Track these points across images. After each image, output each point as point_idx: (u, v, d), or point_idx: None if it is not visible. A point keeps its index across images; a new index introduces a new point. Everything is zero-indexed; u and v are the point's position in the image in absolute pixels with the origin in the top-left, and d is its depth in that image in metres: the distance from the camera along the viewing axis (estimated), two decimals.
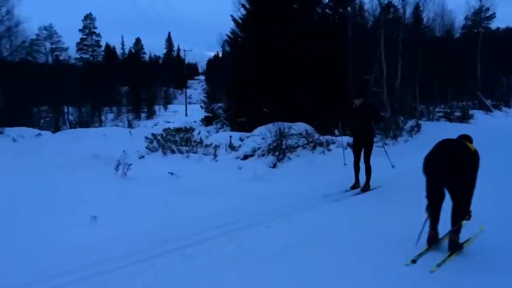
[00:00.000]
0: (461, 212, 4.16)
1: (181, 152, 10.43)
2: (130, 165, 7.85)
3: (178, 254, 4.27)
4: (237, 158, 10.08)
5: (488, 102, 28.81)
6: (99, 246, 4.46)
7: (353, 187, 7.40)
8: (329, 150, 10.71)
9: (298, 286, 3.59)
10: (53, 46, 44.59)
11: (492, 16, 33.58)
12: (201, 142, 11.33)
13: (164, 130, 13.16)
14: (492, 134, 16.16)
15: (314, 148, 10.66)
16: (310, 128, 12.17)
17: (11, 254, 4.26)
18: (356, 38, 15.07)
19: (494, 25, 36.11)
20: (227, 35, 18.06)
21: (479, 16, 32.31)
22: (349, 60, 14.53)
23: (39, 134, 14.16)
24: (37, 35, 40.48)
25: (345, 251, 4.37)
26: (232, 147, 10.90)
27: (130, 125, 34.88)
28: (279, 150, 9.89)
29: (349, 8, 15.63)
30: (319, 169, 9.20)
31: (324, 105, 13.54)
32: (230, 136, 11.56)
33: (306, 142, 10.85)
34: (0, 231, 4.87)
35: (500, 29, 44.38)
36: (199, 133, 12.89)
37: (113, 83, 46.57)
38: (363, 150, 7.34)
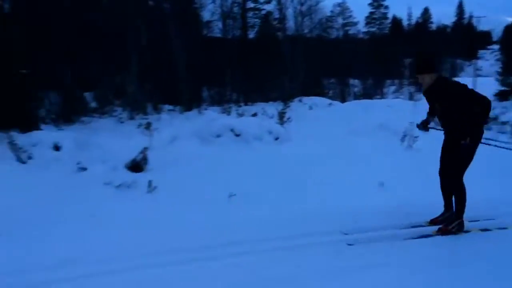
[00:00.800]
0: None
1: None
2: (416, 137, 7.90)
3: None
4: None
5: None
6: (388, 210, 4.76)
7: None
8: None
9: None
10: (345, 21, 47.51)
11: None
12: (496, 118, 10.21)
13: None
14: None
15: None
16: None
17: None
18: None
19: None
20: None
21: None
22: None
23: (331, 103, 15.75)
24: (331, 11, 43.90)
25: None
26: None
27: (411, 98, 34.26)
28: None
29: None
30: None
31: None
32: None
33: None
34: (302, 186, 5.69)
35: None
36: (493, 108, 11.59)
37: (398, 55, 46.24)
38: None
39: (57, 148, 7.05)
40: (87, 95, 11.97)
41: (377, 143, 8.49)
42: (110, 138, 8.08)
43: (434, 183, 4.42)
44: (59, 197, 5.07)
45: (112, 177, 5.74)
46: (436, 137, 8.39)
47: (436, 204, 4.40)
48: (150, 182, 5.31)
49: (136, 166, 6.32)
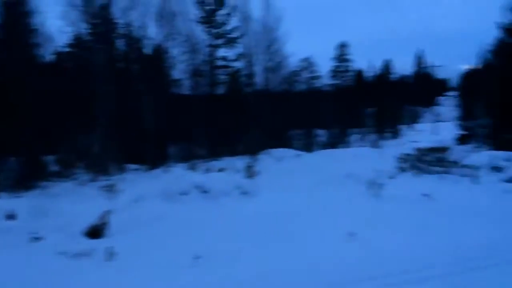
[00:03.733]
0: None
1: (434, 173, 9.87)
2: (382, 184, 7.93)
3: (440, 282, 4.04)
4: (502, 181, 8.87)
5: None
6: (355, 263, 4.64)
7: None
8: None
9: None
10: (310, 75, 49.12)
11: None
12: (457, 162, 10.46)
13: (417, 149, 12.74)
14: None
15: None
16: None
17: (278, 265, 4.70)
18: None
19: None
20: (490, 44, 16.40)
21: None
22: None
23: (298, 154, 15.81)
24: (297, 66, 45.37)
25: None
26: (496, 168, 9.65)
27: (375, 145, 35.12)
28: None
29: None
30: None
31: None
32: (493, 156, 10.26)
33: None
34: (272, 242, 5.51)
35: None
36: (454, 152, 11.94)
37: (361, 105, 47.94)
38: None
39: (11, 217, 6.66)
40: (48, 158, 11.60)
41: (345, 193, 8.46)
42: (70, 203, 7.72)
43: (403, 230, 4.35)
44: (7, 274, 4.66)
45: (69, 245, 5.39)
46: (402, 183, 8.48)
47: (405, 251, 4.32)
48: (109, 249, 5.00)
49: (95, 232, 5.98)
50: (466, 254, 4.77)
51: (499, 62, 16.51)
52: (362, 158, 13.74)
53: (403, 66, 79.47)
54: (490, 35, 15.29)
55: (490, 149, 13.22)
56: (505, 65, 14.72)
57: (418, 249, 4.98)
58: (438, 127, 45.79)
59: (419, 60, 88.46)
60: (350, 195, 8.25)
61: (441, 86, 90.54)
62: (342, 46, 55.85)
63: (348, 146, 35.66)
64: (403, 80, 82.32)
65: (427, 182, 9.08)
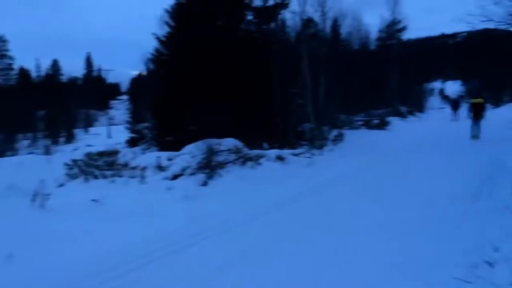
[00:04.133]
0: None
1: (105, 177, 9.89)
2: (48, 195, 7.26)
3: None
4: (166, 179, 9.76)
5: (403, 109, 30.97)
6: None
7: None
8: (259, 164, 10.76)
9: None
10: None
11: (404, 28, 35.60)
12: (127, 164, 10.85)
13: (86, 154, 12.46)
14: (407, 137, 17.61)
15: (244, 163, 10.66)
16: (239, 144, 12.15)
17: None
18: (280, 54, 15.43)
19: (405, 36, 38.36)
20: (151, 53, 17.81)
21: (392, 29, 34.57)
22: (274, 75, 14.79)
23: None
24: None
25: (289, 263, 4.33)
26: (160, 167, 10.55)
27: (47, 151, 32.75)
28: (209, 167, 9.75)
29: (272, 24, 15.96)
30: (251, 184, 9.20)
31: (252, 120, 13.65)
32: (158, 157, 11.20)
33: (236, 157, 10.81)
34: None
35: (411, 40, 47.63)
36: (124, 155, 12.38)
37: (29, 107, 43.63)
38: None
39: None
40: None
41: (5, 208, 7.31)
42: None
43: (70, 242, 4.00)
44: None
45: None
46: (71, 191, 7.99)
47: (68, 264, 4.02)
48: None
49: None
50: (125, 256, 4.89)
51: (157, 70, 18.34)
52: (29, 167, 12.41)
53: (73, 68, 77.05)
54: (152, 44, 16.61)
55: (156, 150, 14.45)
56: (161, 73, 16.43)
57: (84, 258, 4.77)
58: (112, 131, 46.95)
59: (88, 62, 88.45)
60: (11, 210, 7.18)
61: (113, 90, 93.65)
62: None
63: (15, 154, 31.71)
64: (74, 82, 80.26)
65: (97, 187, 8.97)
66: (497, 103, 38.36)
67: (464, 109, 22.93)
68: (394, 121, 25.09)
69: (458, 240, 4.80)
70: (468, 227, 5.21)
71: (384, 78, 31.43)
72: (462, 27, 27.21)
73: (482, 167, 9.61)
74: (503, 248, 4.21)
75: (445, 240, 4.86)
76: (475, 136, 15.17)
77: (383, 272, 4.04)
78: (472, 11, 8.93)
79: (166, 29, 15.95)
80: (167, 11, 15.60)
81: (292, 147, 14.14)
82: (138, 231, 5.81)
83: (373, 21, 63.91)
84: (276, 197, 7.82)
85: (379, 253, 4.56)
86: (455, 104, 28.89)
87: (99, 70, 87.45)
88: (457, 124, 23.23)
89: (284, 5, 15.64)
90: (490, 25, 9.30)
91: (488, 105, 22.38)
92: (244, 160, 10.76)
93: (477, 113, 15.28)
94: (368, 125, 22.61)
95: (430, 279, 3.84)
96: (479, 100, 16.09)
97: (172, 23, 15.62)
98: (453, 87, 67.76)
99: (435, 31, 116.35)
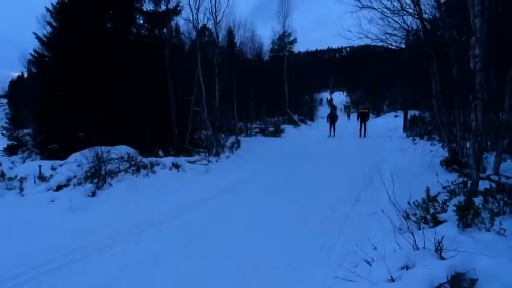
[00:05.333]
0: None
1: None
2: None
3: None
4: (49, 190, 8.93)
5: (296, 117, 32.55)
6: None
7: None
8: (153, 172, 10.42)
9: None
10: None
11: (294, 41, 38.35)
12: (3, 174, 9.69)
13: None
14: (300, 144, 18.54)
15: (137, 171, 10.23)
16: (132, 151, 11.63)
17: None
18: (175, 60, 15.18)
19: (296, 49, 41.36)
20: (31, 54, 16.32)
21: (284, 41, 36.40)
22: (168, 81, 14.48)
23: None
24: None
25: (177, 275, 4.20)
26: (42, 177, 9.64)
27: None
28: (98, 176, 9.16)
29: (165, 30, 15.64)
30: (144, 193, 8.86)
31: (147, 126, 13.20)
32: (40, 166, 10.22)
33: (128, 166, 10.33)
34: None
35: (301, 53, 51.07)
36: (0, 164, 11.09)
37: None
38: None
39: None
40: None
41: None
42: None
43: None
44: None
45: None
46: None
47: None
48: None
49: None
50: None
51: (39, 72, 16.83)
52: None
53: None
54: (33, 43, 15.22)
55: (38, 159, 13.21)
56: (44, 76, 15.12)
57: None
58: None
59: None
60: None
61: None
62: None
63: None
64: None
65: None
66: (378, 113, 42.06)
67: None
68: (288, 128, 26.26)
69: (341, 240, 5.14)
70: (350, 230, 5.62)
71: (278, 87, 32.75)
72: (344, 42, 30.24)
73: (364, 171, 10.43)
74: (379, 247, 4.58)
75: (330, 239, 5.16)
76: (361, 135, 20.89)
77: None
78: (351, 28, 10.07)
79: (48, 29, 14.73)
80: (48, 10, 14.33)
81: (189, 154, 13.97)
82: (9, 249, 5.19)
83: (267, 34, 66.34)
84: (170, 206, 7.64)
85: (270, 250, 4.68)
86: (331, 117, 23.49)
87: None
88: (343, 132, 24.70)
89: (176, 11, 15.47)
90: (368, 41, 10.50)
91: (371, 114, 24.68)
92: (137, 168, 10.34)
93: (363, 119, 21.16)
94: (264, 133, 23.37)
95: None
96: (365, 110, 22.39)
97: (54, 24, 14.42)
98: (340, 98, 72.96)
99: (323, 45, 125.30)
